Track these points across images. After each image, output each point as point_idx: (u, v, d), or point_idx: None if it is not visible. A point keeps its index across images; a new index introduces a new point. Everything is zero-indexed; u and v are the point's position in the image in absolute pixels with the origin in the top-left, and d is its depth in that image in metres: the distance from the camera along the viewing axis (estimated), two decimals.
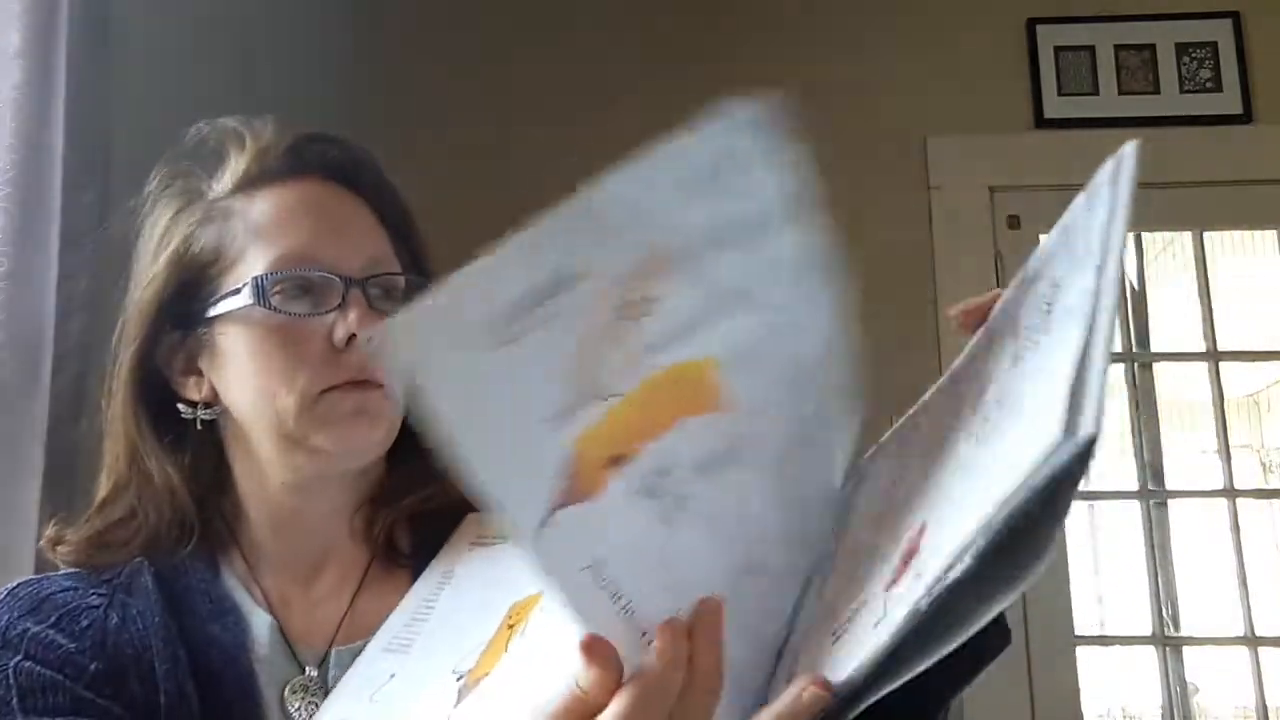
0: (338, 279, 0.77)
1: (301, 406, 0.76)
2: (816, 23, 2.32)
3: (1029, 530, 0.45)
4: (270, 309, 0.75)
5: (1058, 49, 2.30)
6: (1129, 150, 0.55)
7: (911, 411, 0.66)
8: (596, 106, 2.30)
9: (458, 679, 0.62)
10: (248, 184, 0.80)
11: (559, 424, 0.49)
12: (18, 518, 1.12)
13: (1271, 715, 2.11)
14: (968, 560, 0.46)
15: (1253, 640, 2.11)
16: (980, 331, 0.62)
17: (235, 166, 0.80)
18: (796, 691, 0.50)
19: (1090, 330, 0.48)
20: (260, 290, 0.75)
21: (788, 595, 0.58)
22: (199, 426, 0.81)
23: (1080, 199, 0.58)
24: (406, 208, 0.86)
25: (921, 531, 0.52)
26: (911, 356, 1.70)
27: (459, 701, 0.60)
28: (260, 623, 0.78)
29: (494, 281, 0.51)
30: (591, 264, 0.51)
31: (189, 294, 0.79)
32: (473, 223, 2.41)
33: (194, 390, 0.81)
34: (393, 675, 0.68)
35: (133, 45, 1.31)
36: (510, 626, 0.63)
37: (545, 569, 0.48)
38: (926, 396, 0.66)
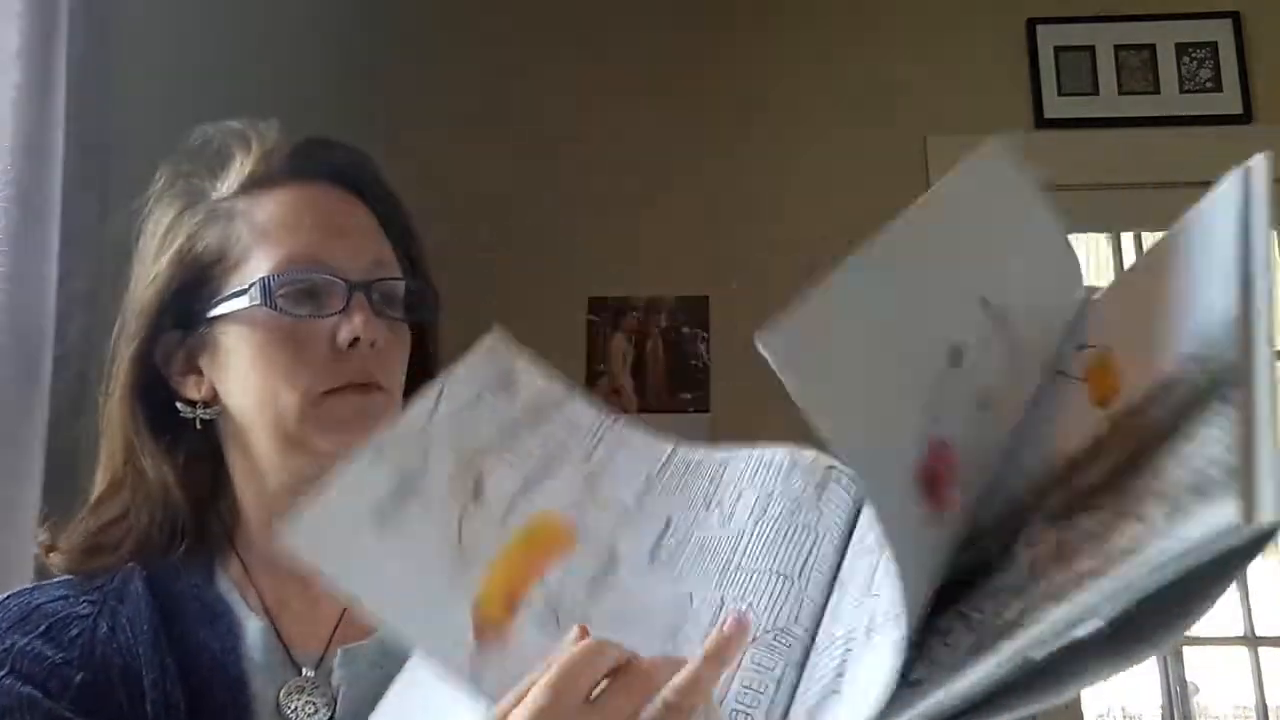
0: (342, 282, 0.77)
1: (304, 407, 0.76)
2: (816, 23, 2.32)
3: (1166, 607, 0.41)
4: (276, 310, 0.76)
5: (1058, 49, 2.30)
6: (1258, 163, 0.52)
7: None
8: (596, 107, 2.30)
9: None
10: (252, 185, 0.80)
11: (456, 586, 0.60)
12: (17, 517, 1.12)
13: (1271, 715, 2.11)
14: (1100, 622, 0.41)
15: (1253, 640, 2.11)
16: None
17: (240, 168, 0.81)
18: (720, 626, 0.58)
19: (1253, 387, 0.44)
20: (267, 291, 0.76)
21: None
22: (198, 426, 0.81)
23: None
24: (407, 214, 0.86)
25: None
26: None
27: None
28: (254, 628, 0.78)
29: (363, 480, 0.61)
30: (428, 462, 0.65)
31: (191, 293, 0.80)
32: (472, 222, 2.41)
33: (193, 389, 0.81)
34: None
35: (133, 45, 1.31)
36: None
37: (482, 696, 0.57)
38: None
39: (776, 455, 0.74)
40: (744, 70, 2.32)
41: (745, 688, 0.61)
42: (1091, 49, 2.30)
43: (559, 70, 2.32)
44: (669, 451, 0.77)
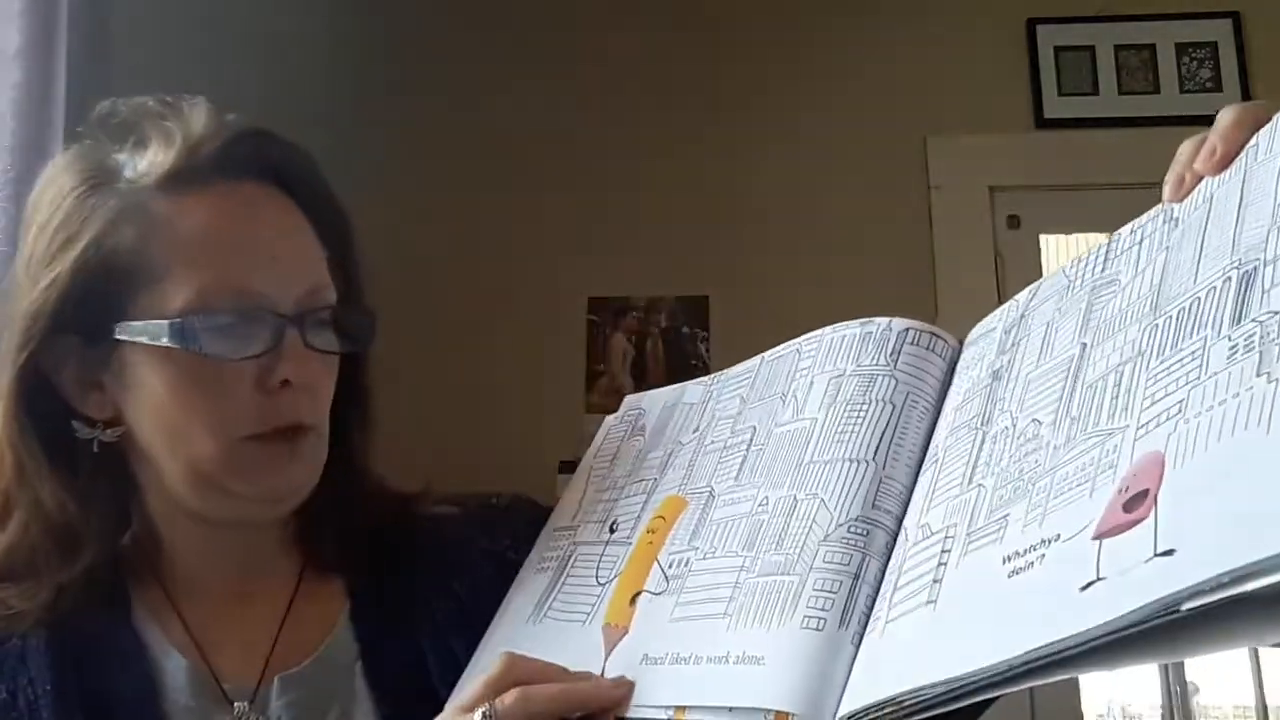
0: (272, 316, 0.68)
1: (221, 453, 0.69)
2: (816, 23, 2.32)
3: None
4: (196, 351, 0.67)
5: (1058, 49, 2.30)
6: None
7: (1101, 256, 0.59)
8: (596, 106, 2.30)
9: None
10: (175, 182, 0.69)
11: (588, 622, 0.68)
12: None
13: (1271, 715, 2.11)
14: (1270, 581, 0.34)
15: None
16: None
17: (159, 158, 0.70)
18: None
19: None
20: (184, 331, 0.67)
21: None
22: (95, 449, 0.71)
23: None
24: (345, 216, 0.77)
25: (1160, 472, 0.43)
26: None
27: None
28: (174, 667, 0.71)
29: (527, 589, 0.76)
30: (576, 540, 0.77)
31: (97, 302, 0.69)
32: (472, 221, 2.41)
33: (95, 408, 0.71)
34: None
35: (133, 45, 1.31)
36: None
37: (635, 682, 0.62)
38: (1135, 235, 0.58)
39: (848, 330, 0.70)
40: (744, 70, 2.32)
41: (817, 590, 0.57)
42: (1091, 49, 2.30)
43: (559, 70, 2.32)
44: (757, 364, 0.75)
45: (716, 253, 2.24)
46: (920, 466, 0.62)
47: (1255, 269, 0.45)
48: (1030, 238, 2.20)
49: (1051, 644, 0.41)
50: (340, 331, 0.74)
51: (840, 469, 0.62)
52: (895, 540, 0.58)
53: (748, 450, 0.69)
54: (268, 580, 0.77)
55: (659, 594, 0.65)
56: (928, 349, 0.66)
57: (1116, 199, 2.18)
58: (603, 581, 0.70)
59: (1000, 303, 0.65)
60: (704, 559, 0.65)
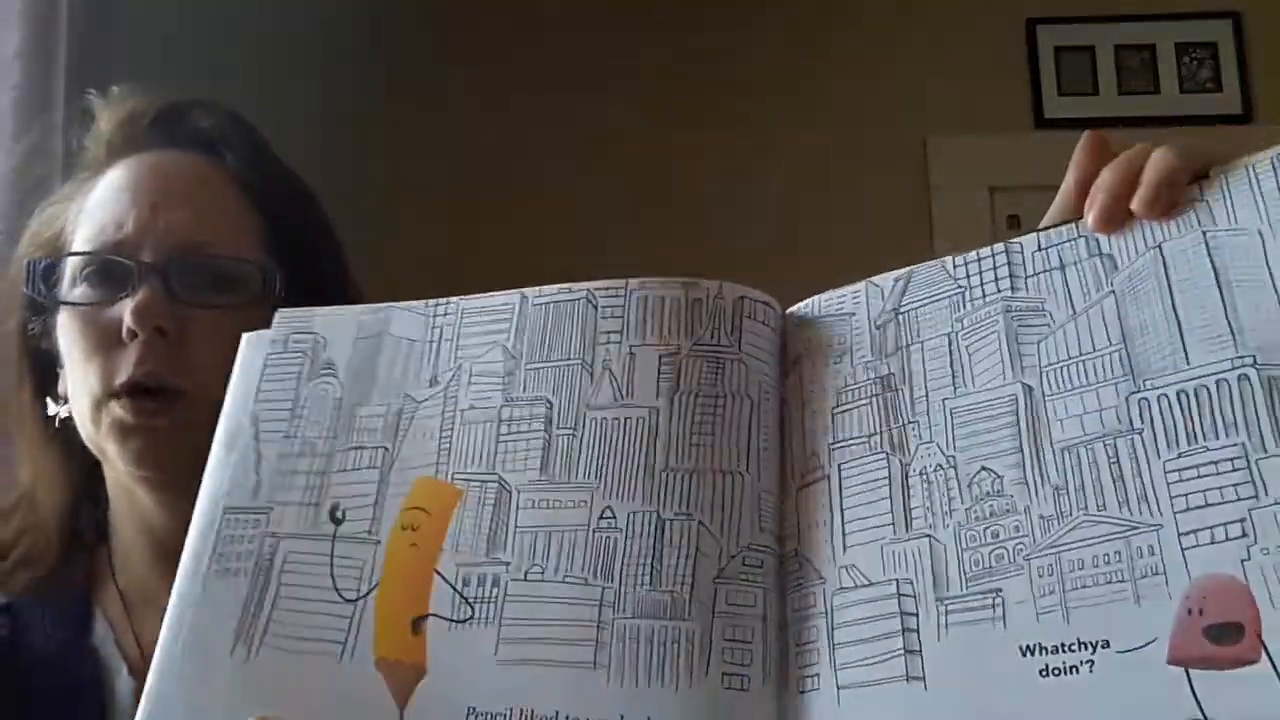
0: (132, 264, 0.66)
1: (92, 412, 0.67)
2: (816, 23, 2.32)
3: None
4: (54, 302, 0.67)
5: (1058, 49, 2.29)
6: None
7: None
8: (595, 106, 2.30)
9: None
10: (112, 156, 0.73)
11: (351, 655, 0.51)
12: None
13: None
14: None
15: None
16: None
17: (102, 138, 0.74)
18: None
19: None
20: (31, 278, 0.68)
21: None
22: (56, 425, 0.71)
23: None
24: (287, 184, 0.75)
25: (1253, 610, 0.42)
26: None
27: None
28: (125, 688, 0.68)
29: (217, 606, 0.54)
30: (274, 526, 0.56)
31: (49, 275, 0.71)
32: (472, 221, 2.41)
33: (61, 382, 0.72)
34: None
35: (133, 45, 1.31)
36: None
37: None
38: None
39: (667, 291, 0.60)
40: (743, 70, 2.32)
41: (730, 641, 0.49)
42: (1091, 49, 2.30)
43: (559, 69, 2.32)
44: (517, 303, 0.61)
45: (716, 253, 2.23)
46: (785, 472, 0.54)
47: None
48: None
49: None
50: (243, 288, 0.69)
51: (712, 483, 0.52)
52: (783, 568, 0.52)
53: (548, 433, 0.55)
54: None
55: (462, 623, 0.51)
56: (763, 322, 0.58)
57: None
58: (349, 596, 0.53)
59: None
60: (525, 580, 0.52)
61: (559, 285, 0.61)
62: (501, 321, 0.60)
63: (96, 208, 0.70)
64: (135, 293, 0.65)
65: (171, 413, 0.66)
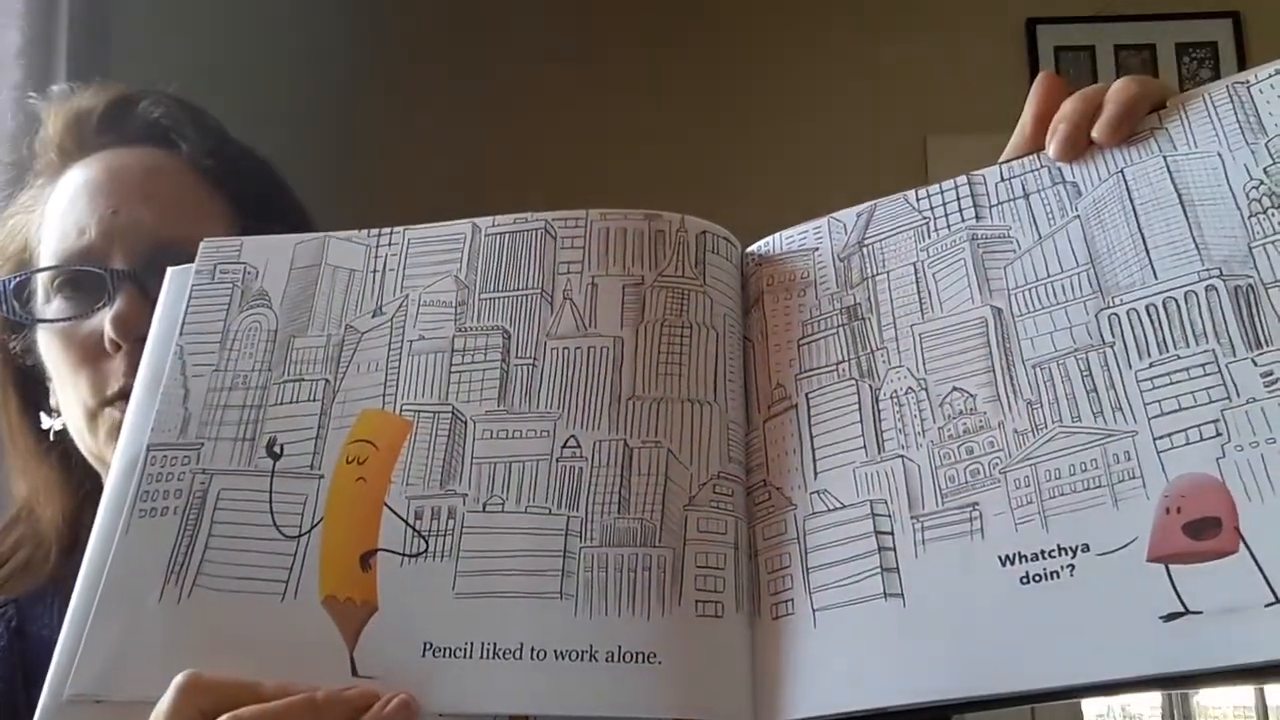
0: (103, 272, 0.65)
1: (87, 422, 0.67)
2: (816, 22, 2.32)
3: None
4: (24, 320, 0.66)
5: (1058, 49, 2.29)
6: None
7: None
8: (595, 107, 2.30)
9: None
10: (66, 158, 0.71)
11: (294, 594, 0.49)
12: None
13: (1271, 715, 2.11)
14: None
15: None
16: None
17: (53, 139, 0.71)
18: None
19: None
20: (23, 300, 0.67)
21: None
22: (50, 438, 0.71)
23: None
24: (257, 171, 0.74)
25: (1229, 505, 0.42)
26: None
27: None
28: None
29: (144, 545, 0.52)
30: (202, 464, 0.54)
31: (20, 290, 0.70)
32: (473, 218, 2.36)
33: (53, 395, 0.72)
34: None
35: (133, 45, 1.31)
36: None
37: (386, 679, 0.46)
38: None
39: (630, 223, 0.59)
40: (743, 70, 2.32)
41: (702, 568, 0.48)
42: (1091, 49, 2.30)
43: (559, 69, 2.32)
44: (468, 232, 0.59)
45: None
46: (749, 404, 0.54)
47: (1251, 287, 0.46)
48: None
49: (1145, 675, 0.40)
50: None
51: (680, 411, 0.51)
52: (750, 498, 0.51)
53: (505, 363, 0.53)
54: None
55: (415, 557, 0.49)
56: (725, 257, 0.58)
57: None
58: (290, 533, 0.50)
59: None
60: (484, 512, 0.49)
61: (514, 215, 0.59)
62: (452, 251, 0.58)
63: (57, 217, 0.68)
64: (112, 301, 0.65)
65: None
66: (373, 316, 0.56)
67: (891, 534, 0.48)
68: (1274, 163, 0.48)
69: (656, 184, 2.26)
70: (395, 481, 0.51)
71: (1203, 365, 0.45)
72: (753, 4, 2.34)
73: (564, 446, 0.51)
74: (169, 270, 0.59)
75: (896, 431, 0.50)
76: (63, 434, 0.71)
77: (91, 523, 0.70)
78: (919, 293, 0.53)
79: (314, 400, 0.54)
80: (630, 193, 2.38)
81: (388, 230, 0.59)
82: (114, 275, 0.65)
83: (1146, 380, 0.46)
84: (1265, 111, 0.49)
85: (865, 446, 0.50)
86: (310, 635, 0.48)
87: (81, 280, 0.66)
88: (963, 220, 0.55)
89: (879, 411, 0.51)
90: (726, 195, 2.25)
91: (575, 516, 0.49)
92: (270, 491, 0.52)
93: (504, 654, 0.46)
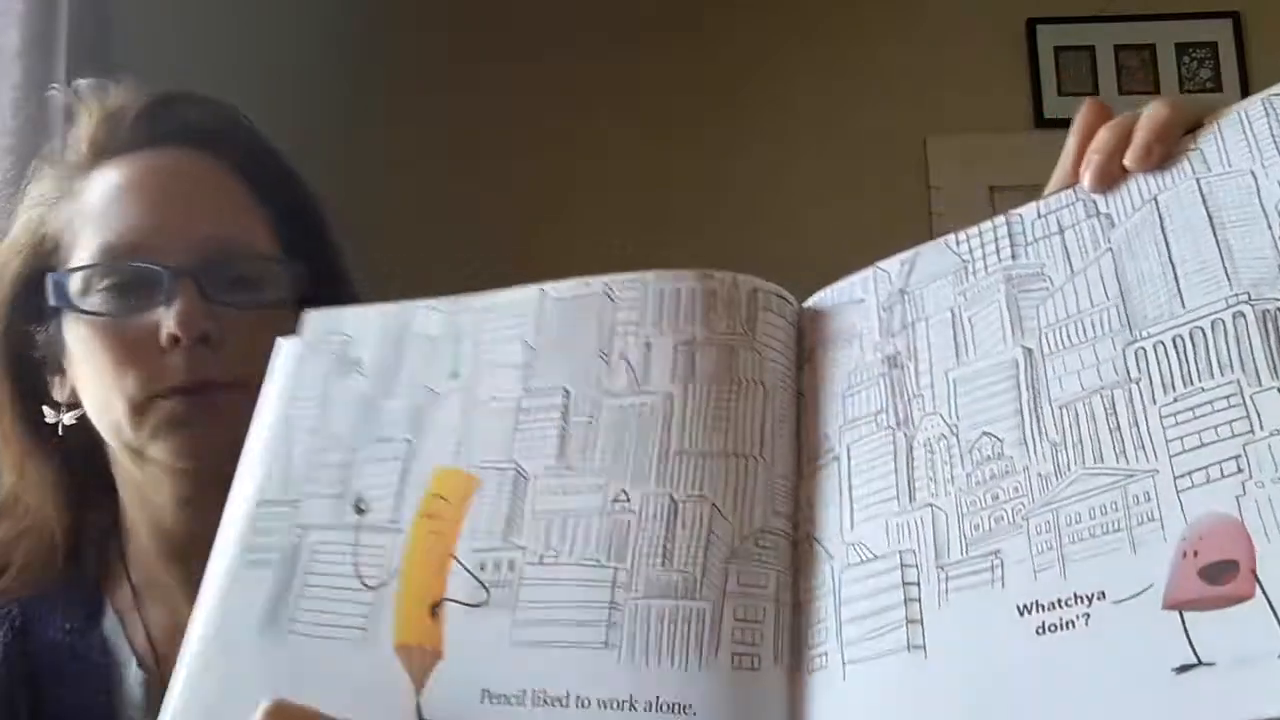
0: (162, 270, 0.66)
1: (133, 415, 0.67)
2: (816, 22, 2.32)
3: None
4: (82, 313, 0.67)
5: (1058, 49, 2.30)
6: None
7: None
8: (595, 105, 2.30)
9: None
10: (98, 156, 0.71)
11: (372, 643, 0.52)
12: None
13: None
14: None
15: None
16: None
17: (84, 135, 0.71)
18: None
19: None
20: (69, 292, 0.67)
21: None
22: (60, 432, 0.71)
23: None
24: (290, 175, 0.75)
25: (1248, 546, 0.40)
26: None
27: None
28: (133, 679, 0.69)
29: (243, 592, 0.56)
30: (302, 519, 0.57)
31: (37, 284, 0.70)
32: (472, 221, 2.41)
33: (58, 390, 0.72)
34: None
35: (133, 45, 1.31)
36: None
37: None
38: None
39: (684, 284, 0.59)
40: (743, 70, 2.32)
41: (740, 621, 0.48)
42: (1091, 49, 2.30)
43: (559, 70, 2.32)
44: (537, 299, 0.62)
45: (716, 252, 2.23)
46: (800, 458, 0.54)
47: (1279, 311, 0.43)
48: None
49: None
50: (276, 285, 0.71)
51: (725, 466, 0.52)
52: (796, 550, 0.52)
53: (565, 420, 0.56)
54: None
55: (477, 606, 0.51)
56: (778, 314, 0.59)
57: None
58: (372, 584, 0.54)
59: None
60: (540, 564, 0.52)
61: (577, 279, 0.62)
62: (521, 316, 0.61)
63: (97, 213, 0.69)
64: (170, 300, 0.66)
65: (214, 406, 0.67)
66: (450, 379, 0.59)
67: (917, 584, 0.47)
68: None
69: (656, 184, 2.26)
70: (464, 535, 0.54)
71: (1227, 398, 0.43)
72: (753, 4, 2.35)
73: (613, 500, 0.53)
74: (279, 341, 0.62)
75: (927, 479, 0.49)
76: (72, 427, 0.71)
77: (96, 516, 0.72)
78: (955, 337, 0.53)
79: (396, 459, 0.57)
80: (631, 192, 2.39)
81: (466, 297, 0.63)
82: (171, 273, 0.66)
83: (1170, 416, 0.44)
84: None
85: (898, 496, 0.50)
86: (382, 680, 0.51)
87: (135, 277, 0.67)
88: (999, 261, 0.54)
89: (913, 460, 0.50)
90: (727, 195, 2.25)
91: (622, 568, 0.50)
92: (355, 545, 0.55)
93: (553, 702, 0.48)
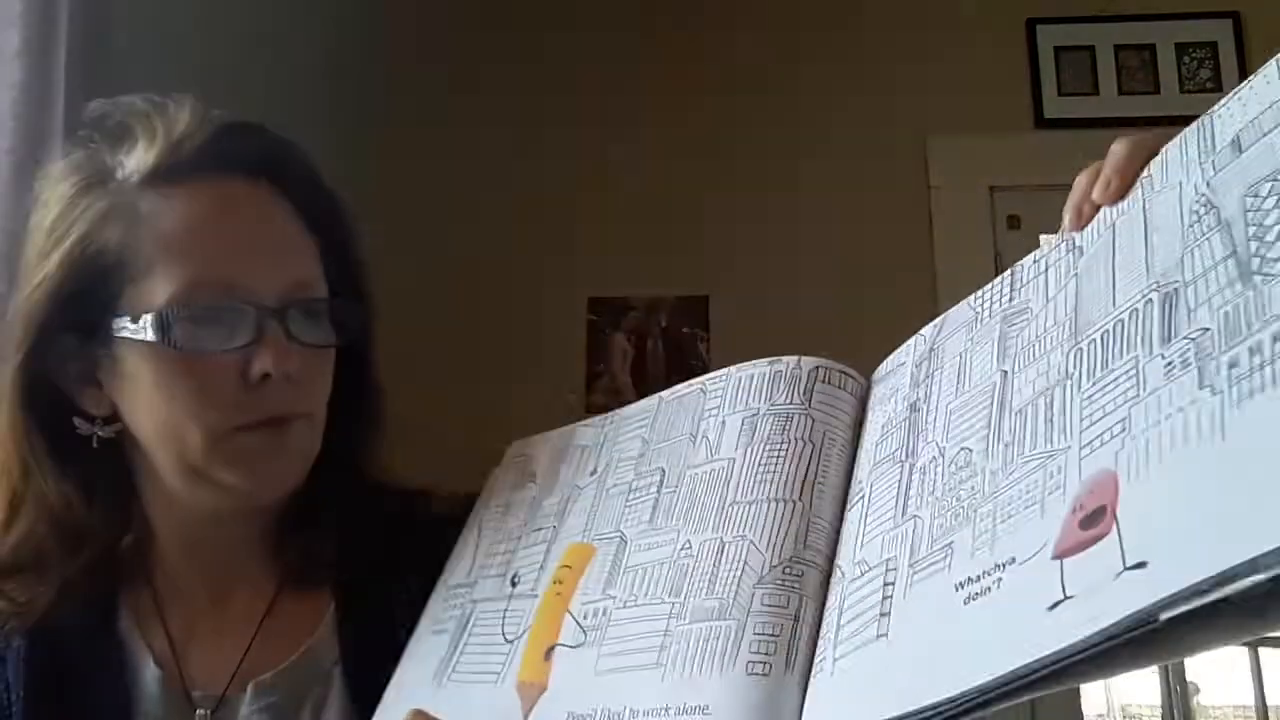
0: (252, 309, 0.69)
1: (210, 444, 0.69)
2: (816, 22, 2.32)
3: None
4: (174, 347, 0.68)
5: (1058, 49, 2.30)
6: None
7: (1009, 279, 0.61)
8: (596, 107, 2.30)
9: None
10: (159, 178, 0.70)
11: (502, 681, 0.65)
12: None
13: (1271, 715, 2.11)
14: (1261, 577, 0.35)
15: (1253, 640, 2.11)
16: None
17: (144, 155, 0.70)
18: None
19: None
20: (165, 325, 0.67)
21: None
22: (95, 444, 0.73)
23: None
24: (339, 210, 0.77)
25: (1115, 490, 0.43)
26: None
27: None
28: (150, 676, 0.73)
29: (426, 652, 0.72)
30: (474, 597, 0.73)
31: (86, 300, 0.70)
32: (472, 221, 2.41)
33: (92, 403, 0.73)
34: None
35: (133, 45, 1.31)
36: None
37: None
38: (1053, 249, 0.59)
39: (756, 369, 0.69)
40: (743, 70, 2.32)
41: (758, 635, 0.55)
42: (1091, 49, 2.30)
43: (559, 71, 2.32)
44: (656, 404, 0.73)
45: (716, 253, 2.24)
46: (845, 504, 0.61)
47: (1176, 290, 0.47)
48: (1030, 238, 2.19)
49: (1025, 665, 0.41)
50: (332, 323, 0.74)
51: (766, 509, 0.61)
52: (828, 580, 0.58)
53: (659, 492, 0.67)
54: (248, 588, 0.78)
55: (577, 647, 0.63)
56: (839, 387, 0.67)
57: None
58: (511, 638, 0.67)
59: None
60: (624, 607, 0.62)
61: (686, 383, 0.73)
62: (644, 418, 0.74)
63: (181, 243, 0.69)
64: (260, 338, 0.69)
65: (286, 438, 0.71)
66: (590, 476, 0.73)
67: (894, 584, 0.52)
68: (1216, 174, 0.49)
69: (656, 184, 2.27)
70: (578, 592, 0.66)
71: (1127, 371, 0.47)
72: (753, 5, 2.35)
73: (681, 549, 0.63)
74: (494, 471, 0.81)
75: (917, 496, 0.56)
76: (111, 440, 0.73)
77: (110, 526, 0.75)
78: (958, 375, 0.59)
79: (544, 542, 0.72)
80: (629, 191, 2.39)
81: (613, 412, 0.77)
82: (265, 314, 0.69)
83: (1086, 399, 0.49)
84: (1219, 132, 0.51)
85: (894, 515, 0.56)
86: (501, 710, 0.63)
87: (224, 313, 0.69)
88: (1000, 306, 0.60)
89: (909, 483, 0.57)
90: (727, 196, 2.26)
91: (677, 602, 0.60)
92: (505, 610, 0.69)
93: (614, 716, 0.57)
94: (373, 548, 0.78)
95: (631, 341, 2.23)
